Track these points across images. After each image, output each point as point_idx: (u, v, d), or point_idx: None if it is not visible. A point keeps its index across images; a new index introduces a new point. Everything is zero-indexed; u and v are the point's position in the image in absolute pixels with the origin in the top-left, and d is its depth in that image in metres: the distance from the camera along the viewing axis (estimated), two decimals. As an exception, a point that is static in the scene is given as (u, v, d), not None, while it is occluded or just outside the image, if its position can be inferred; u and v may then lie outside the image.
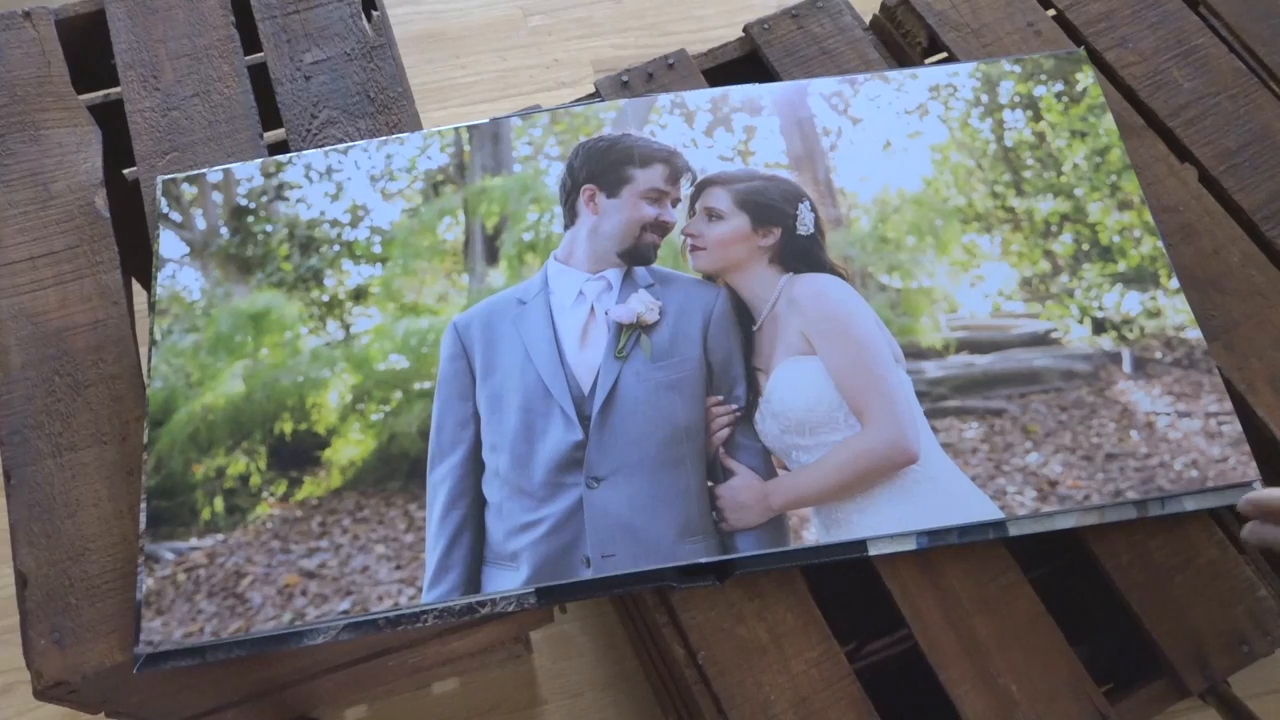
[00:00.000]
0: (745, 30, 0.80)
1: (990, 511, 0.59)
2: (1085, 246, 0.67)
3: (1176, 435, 0.61)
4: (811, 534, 0.58)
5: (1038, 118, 0.71)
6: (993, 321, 0.64)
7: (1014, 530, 0.59)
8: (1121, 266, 0.66)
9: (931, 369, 0.63)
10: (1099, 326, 0.65)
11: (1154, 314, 0.65)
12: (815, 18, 0.79)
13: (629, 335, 0.61)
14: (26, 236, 0.69)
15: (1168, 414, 0.62)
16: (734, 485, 0.59)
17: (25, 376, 0.64)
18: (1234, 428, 0.61)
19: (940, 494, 0.59)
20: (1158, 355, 0.64)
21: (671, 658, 0.60)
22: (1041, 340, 0.64)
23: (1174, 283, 0.65)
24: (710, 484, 0.59)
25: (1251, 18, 0.78)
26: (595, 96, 0.77)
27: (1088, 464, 0.60)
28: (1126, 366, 0.63)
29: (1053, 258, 0.66)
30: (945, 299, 0.65)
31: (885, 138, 0.70)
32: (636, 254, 0.63)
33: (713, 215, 0.63)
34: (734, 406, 0.60)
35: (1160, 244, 0.66)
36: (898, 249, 0.66)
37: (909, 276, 0.65)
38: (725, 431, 0.60)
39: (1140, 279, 0.66)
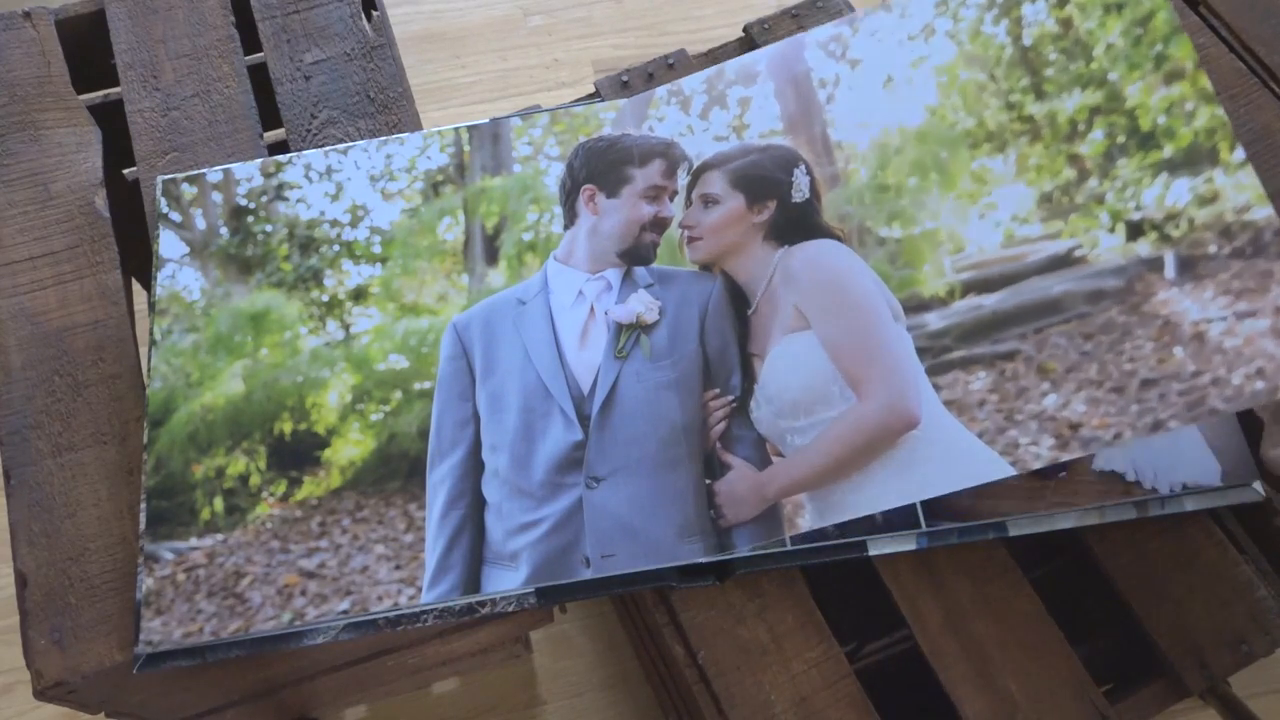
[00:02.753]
0: (745, 30, 0.80)
1: (999, 469, 0.54)
2: (1120, 139, 0.59)
3: (1235, 342, 0.52)
4: (806, 521, 0.57)
5: (1062, 3, 0.63)
6: (1004, 253, 0.59)
7: (1014, 530, 0.59)
8: (1168, 152, 0.57)
9: (934, 320, 0.58)
10: (1135, 231, 0.56)
11: (1208, 200, 0.55)
12: (815, 17, 0.79)
13: (629, 335, 0.61)
14: (26, 236, 0.69)
15: (1223, 318, 0.53)
16: (730, 479, 0.58)
17: (25, 376, 0.64)
18: None
19: (943, 459, 0.55)
20: (1211, 250, 0.54)
21: (671, 658, 0.60)
22: (1063, 262, 0.57)
23: (1237, 154, 0.55)
24: (709, 481, 0.59)
25: (1251, 18, 0.78)
26: (595, 96, 0.77)
27: (1118, 397, 0.54)
28: (1169, 271, 0.55)
29: (1079, 162, 0.59)
30: (950, 239, 0.60)
31: (886, 73, 0.65)
32: (636, 254, 0.63)
33: (708, 201, 0.62)
34: (729, 398, 0.60)
35: (1219, 111, 0.57)
36: (898, 195, 0.62)
37: (910, 223, 0.61)
38: (722, 425, 0.59)
39: (1192, 161, 0.56)
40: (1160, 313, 0.55)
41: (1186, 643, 0.59)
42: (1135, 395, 0.53)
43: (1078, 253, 0.57)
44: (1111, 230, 0.57)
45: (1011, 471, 0.54)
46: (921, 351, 0.57)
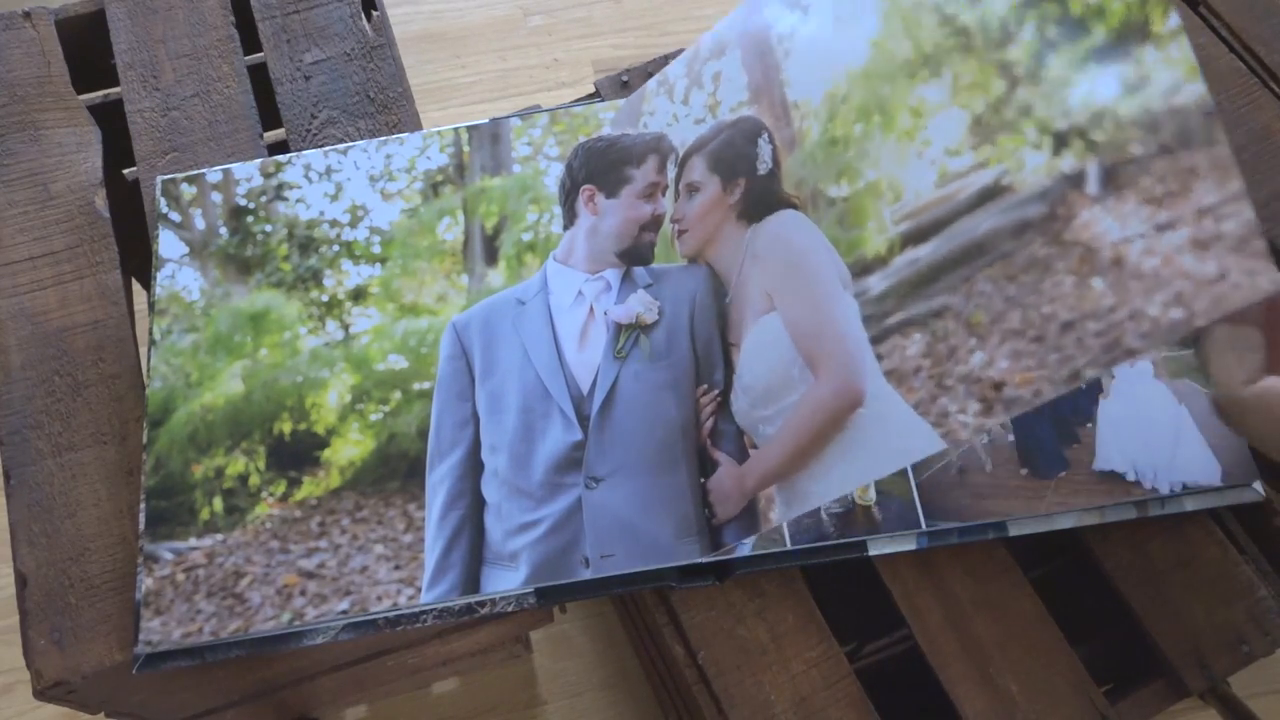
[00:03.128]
0: (745, 30, 0.80)
1: (930, 444, 0.51)
2: (1050, 33, 0.51)
3: (1153, 263, 0.44)
4: (776, 514, 0.56)
5: None
6: (938, 194, 0.53)
7: (1014, 530, 0.59)
8: (1098, 36, 0.49)
9: (876, 283, 0.53)
10: (1060, 142, 0.49)
11: (1136, 87, 0.46)
12: (815, 17, 0.79)
13: (628, 335, 0.61)
14: (26, 236, 0.69)
15: (1142, 234, 0.45)
16: (718, 476, 0.58)
17: (25, 376, 0.64)
18: (1242, 219, 0.42)
19: (884, 437, 0.52)
20: (1136, 150, 0.46)
21: (671, 658, 0.60)
22: (991, 194, 0.51)
23: (1171, 22, 0.46)
24: (703, 480, 0.59)
25: (1251, 18, 0.78)
26: (595, 96, 0.77)
27: (1038, 346, 0.48)
28: (1092, 185, 0.48)
29: (1009, 70, 0.51)
30: (891, 188, 0.54)
31: (835, 12, 0.59)
32: (635, 254, 0.63)
33: (692, 190, 0.60)
34: (714, 392, 0.59)
35: None
36: (845, 146, 0.57)
37: (856, 176, 0.56)
38: (710, 421, 0.59)
39: (1122, 41, 0.48)
40: (1081, 238, 0.47)
41: (1186, 643, 0.59)
42: (1054, 342, 0.47)
43: (1005, 180, 0.51)
44: (1038, 147, 0.50)
45: (941, 445, 0.51)
46: (866, 320, 0.53)
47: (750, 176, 0.59)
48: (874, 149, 0.56)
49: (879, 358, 0.53)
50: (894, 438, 0.51)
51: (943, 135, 0.54)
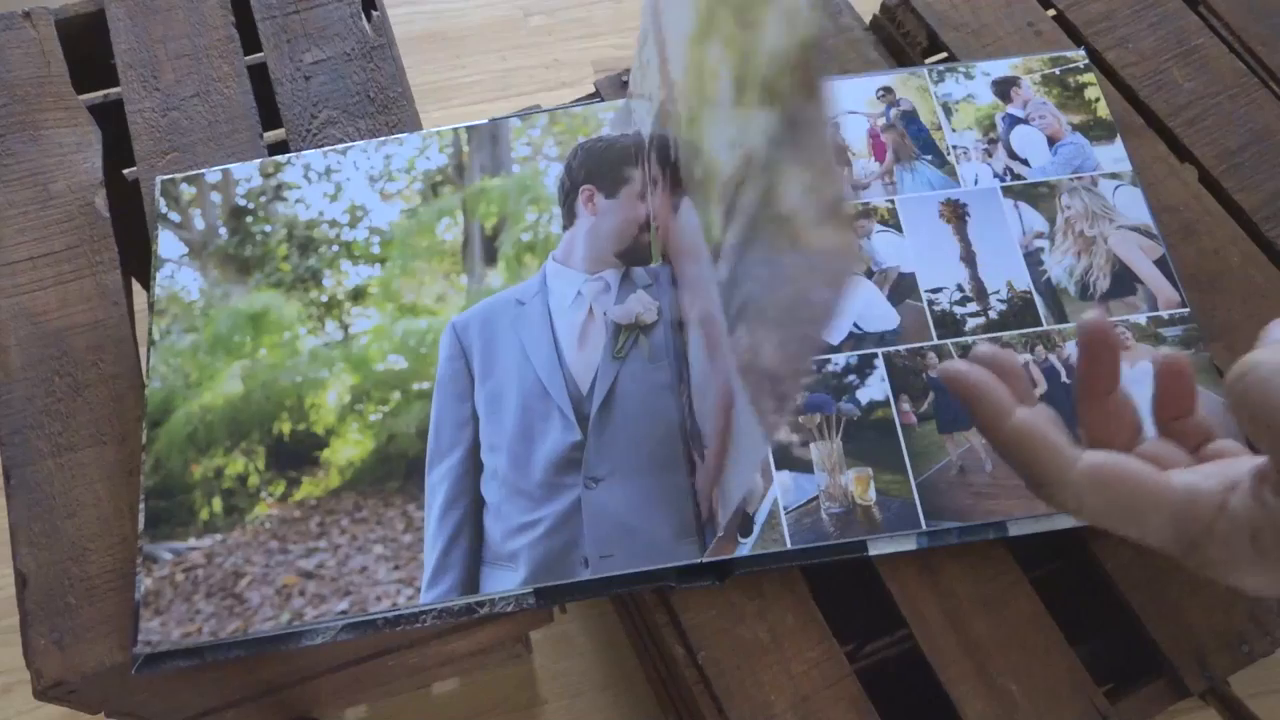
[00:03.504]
0: (745, 30, 0.80)
1: (763, 448, 0.46)
2: None
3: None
4: (721, 514, 0.54)
5: None
6: (732, 166, 0.45)
7: (1014, 530, 0.59)
8: None
9: (722, 270, 0.47)
10: (764, 96, 0.39)
11: (791, 18, 0.34)
12: (815, 17, 0.79)
13: (627, 336, 0.61)
14: (26, 236, 0.69)
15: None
16: (698, 475, 0.58)
17: (25, 376, 0.64)
18: (835, 183, 0.32)
19: (751, 439, 0.46)
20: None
21: (671, 658, 0.60)
22: (745, 164, 0.43)
23: None
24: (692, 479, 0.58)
25: (1251, 18, 0.78)
26: (595, 96, 0.77)
27: (786, 337, 0.41)
28: None
29: (741, 16, 0.40)
30: (711, 161, 0.47)
31: None
32: (634, 254, 0.63)
33: (655, 185, 0.59)
34: (688, 391, 0.58)
35: None
36: (695, 122, 0.49)
37: (700, 154, 0.49)
38: (689, 421, 0.58)
39: None
40: (784, 212, 0.39)
41: (1186, 643, 0.59)
42: (793, 336, 0.40)
43: (749, 145, 0.42)
44: (751, 103, 0.41)
45: (766, 449, 0.46)
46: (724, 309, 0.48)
47: (671, 165, 0.57)
48: (705, 121, 0.48)
49: (734, 351, 0.47)
50: (754, 440, 0.46)
51: (725, 98, 0.45)
